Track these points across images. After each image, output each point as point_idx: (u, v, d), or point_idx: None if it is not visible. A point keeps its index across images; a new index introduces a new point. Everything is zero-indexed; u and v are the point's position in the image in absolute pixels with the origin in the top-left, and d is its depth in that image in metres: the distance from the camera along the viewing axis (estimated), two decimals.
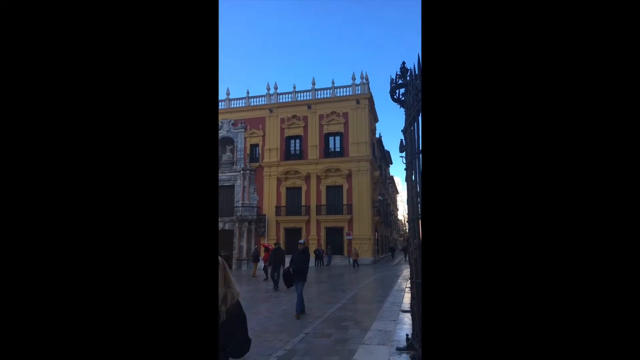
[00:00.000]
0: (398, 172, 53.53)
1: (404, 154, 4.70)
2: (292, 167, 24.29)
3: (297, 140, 25.10)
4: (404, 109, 4.65)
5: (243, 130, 25.97)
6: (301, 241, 8.18)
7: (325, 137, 24.54)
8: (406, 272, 15.53)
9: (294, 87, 25.83)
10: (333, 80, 25.35)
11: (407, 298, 8.30)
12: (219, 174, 25.55)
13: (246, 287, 12.36)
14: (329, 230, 23.33)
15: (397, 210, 57.86)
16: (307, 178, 23.98)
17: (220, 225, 24.51)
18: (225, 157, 26.19)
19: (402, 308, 7.23)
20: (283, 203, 24.18)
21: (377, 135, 29.80)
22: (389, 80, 4.80)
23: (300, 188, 24.11)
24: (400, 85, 4.67)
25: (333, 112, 24.42)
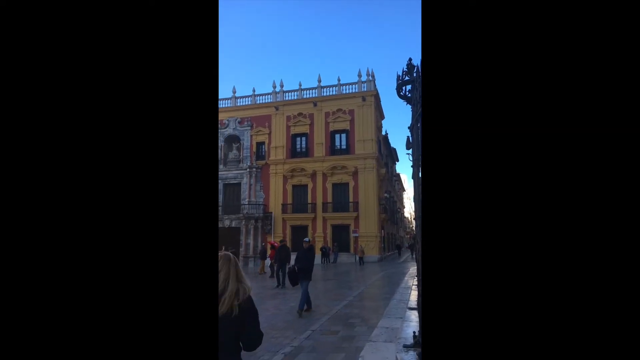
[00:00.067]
0: (404, 169, 53.31)
1: (410, 151, 4.68)
2: (298, 165, 24.31)
3: (303, 138, 25.11)
4: (410, 106, 4.62)
5: (249, 128, 26.04)
6: (306, 239, 8.17)
7: (331, 135, 24.51)
8: (413, 269, 15.49)
9: (300, 85, 25.81)
10: (339, 77, 25.31)
11: (414, 295, 8.28)
12: (226, 172, 25.69)
13: (253, 284, 12.34)
14: (335, 227, 23.34)
15: (404, 207, 57.65)
16: (313, 176, 23.99)
17: (227, 222, 24.67)
18: (231, 155, 26.30)
19: (409, 305, 7.22)
20: (289, 201, 24.23)
21: (383, 133, 29.68)
22: (396, 77, 4.78)
23: (306, 186, 24.13)
24: (407, 82, 4.64)
25: (339, 110, 24.37)
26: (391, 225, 31.34)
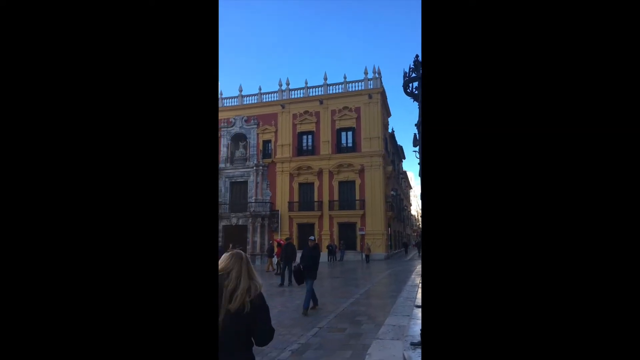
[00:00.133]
0: (411, 167, 53.03)
1: (417, 149, 4.65)
2: (304, 163, 24.33)
3: (310, 136, 25.11)
4: (417, 103, 4.60)
5: (256, 126, 26.11)
6: (311, 237, 8.11)
7: (338, 133, 24.47)
8: (419, 267, 15.43)
9: (306, 83, 25.79)
10: (345, 75, 25.22)
11: (420, 293, 8.26)
12: (233, 170, 25.80)
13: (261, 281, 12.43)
14: (341, 225, 23.34)
15: (411, 205, 57.41)
16: (320, 173, 23.99)
17: (234, 220, 24.80)
18: (238, 153, 26.41)
19: (416, 303, 7.20)
20: (296, 199, 24.28)
21: (390, 130, 29.56)
22: (402, 74, 4.75)
23: (312, 184, 24.15)
24: (414, 78, 4.62)
25: (345, 107, 24.31)
26: (398, 223, 31.25)
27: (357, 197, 23.21)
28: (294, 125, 25.26)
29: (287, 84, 26.13)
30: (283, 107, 25.56)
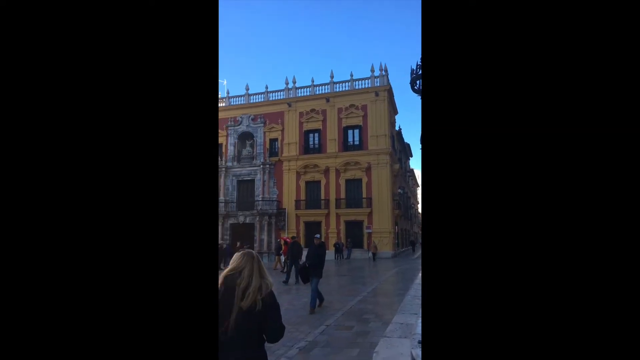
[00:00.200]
0: (418, 164, 52.74)
1: None
2: (311, 161, 24.34)
3: (316, 134, 25.10)
4: None
5: (262, 125, 26.17)
6: (317, 235, 8.07)
7: (344, 131, 24.43)
8: None
9: (312, 81, 25.77)
10: (352, 72, 25.14)
11: None
12: (240, 169, 25.92)
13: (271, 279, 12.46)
14: (348, 223, 23.32)
15: (418, 203, 57.14)
16: (327, 172, 23.98)
17: (242, 219, 24.92)
18: (245, 151, 26.51)
19: None
20: (303, 197, 24.31)
21: (397, 128, 29.42)
22: (410, 71, 4.72)
23: (319, 182, 24.16)
24: (421, 76, 4.59)
25: (352, 105, 24.25)
26: (405, 221, 31.13)
27: (364, 195, 23.16)
28: (301, 124, 25.27)
29: (294, 82, 26.13)
30: (289, 105, 25.58)
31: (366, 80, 24.57)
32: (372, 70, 24.46)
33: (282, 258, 15.66)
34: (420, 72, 4.60)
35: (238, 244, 19.97)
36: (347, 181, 23.70)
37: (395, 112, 28.51)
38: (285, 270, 12.91)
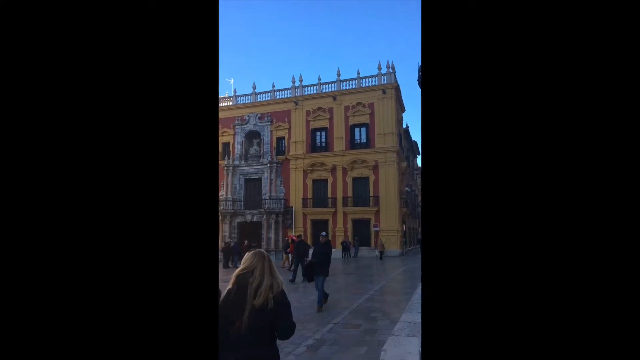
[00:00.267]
0: None
1: None
2: (318, 160, 24.34)
3: (323, 133, 25.09)
4: None
5: (269, 123, 26.23)
6: (323, 233, 7.97)
7: (351, 129, 24.37)
8: None
9: (319, 79, 25.74)
10: (358, 70, 25.06)
11: None
12: (247, 168, 26.03)
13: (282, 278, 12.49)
14: (355, 222, 23.29)
15: None
16: (333, 170, 23.97)
17: (249, 217, 25.05)
18: (252, 150, 26.61)
19: None
20: (310, 195, 24.33)
21: (404, 126, 29.27)
22: (417, 68, 4.69)
23: (326, 180, 24.15)
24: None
25: (359, 103, 24.18)
26: (412, 219, 30.99)
27: (371, 194, 23.10)
28: (307, 122, 25.27)
29: (300, 81, 26.13)
30: (296, 104, 25.59)
31: (373, 78, 24.47)
32: (379, 68, 24.35)
33: (290, 256, 15.70)
34: None
35: (245, 242, 20.08)
36: (354, 179, 23.66)
37: (403, 109, 28.36)
38: (292, 268, 12.94)
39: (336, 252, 21.02)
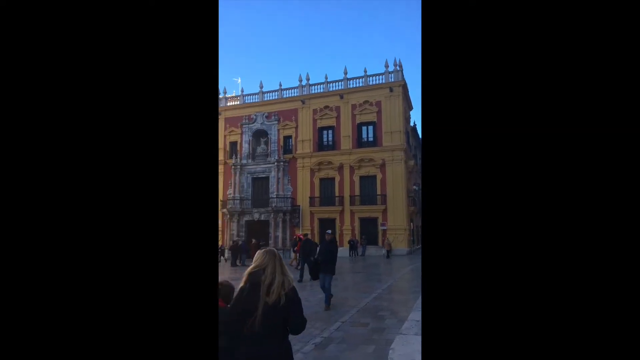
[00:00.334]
0: None
1: None
2: (325, 158, 24.33)
3: (330, 131, 25.07)
4: None
5: (276, 122, 26.28)
6: (328, 231, 7.95)
7: (358, 127, 24.31)
8: None
9: (326, 78, 25.70)
10: (365, 68, 25.01)
11: None
12: (254, 166, 26.13)
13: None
14: (363, 220, 23.25)
15: None
16: (341, 168, 23.94)
17: (256, 216, 25.15)
18: (259, 149, 26.69)
19: None
20: (317, 194, 24.35)
21: (412, 124, 29.09)
22: None
23: (333, 179, 24.14)
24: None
25: (366, 102, 24.09)
26: (420, 217, 30.81)
27: (379, 192, 23.03)
28: (314, 121, 25.26)
29: (307, 79, 26.12)
30: (303, 102, 25.60)
31: (380, 76, 24.36)
32: (387, 66, 24.22)
33: (298, 255, 15.72)
34: None
35: (253, 240, 20.16)
36: (362, 178, 23.60)
37: (410, 107, 28.20)
38: (299, 267, 12.97)
39: (344, 251, 21.05)
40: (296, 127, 25.66)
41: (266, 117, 26.66)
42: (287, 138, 26.08)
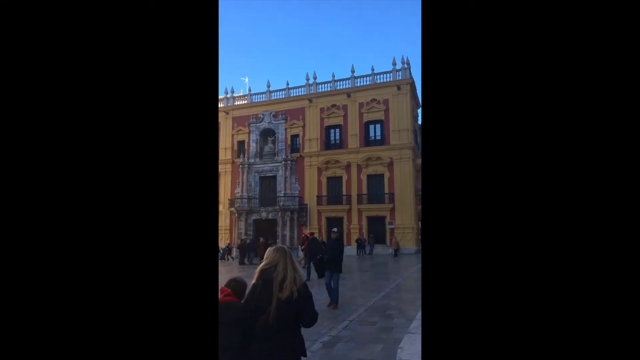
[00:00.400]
0: None
1: None
2: (332, 157, 24.32)
3: (337, 130, 25.04)
4: None
5: (284, 121, 26.34)
6: (334, 229, 7.94)
7: (366, 126, 24.24)
8: None
9: (333, 76, 25.67)
10: (372, 66, 24.86)
11: None
12: (262, 165, 26.22)
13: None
14: (370, 219, 23.20)
15: None
16: (348, 167, 23.90)
17: (264, 214, 25.26)
18: (267, 148, 26.78)
19: None
20: (324, 192, 24.35)
21: (420, 122, 28.88)
22: None
23: (341, 177, 24.12)
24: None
25: (373, 100, 24.01)
26: None
27: (386, 191, 22.95)
28: (322, 119, 25.25)
29: (314, 78, 26.10)
30: (310, 101, 25.60)
31: (388, 74, 24.25)
32: (394, 64, 24.10)
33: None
34: None
35: (261, 239, 20.24)
36: (369, 176, 23.55)
37: (418, 105, 28.01)
38: (305, 266, 12.98)
39: (351, 250, 21.04)
40: (303, 126, 25.68)
41: (273, 116, 26.73)
42: (294, 137, 26.12)
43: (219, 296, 2.18)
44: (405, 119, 23.14)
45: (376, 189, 23.35)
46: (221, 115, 27.71)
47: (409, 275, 12.15)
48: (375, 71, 24.61)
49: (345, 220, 23.47)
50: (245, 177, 26.24)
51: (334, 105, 25.00)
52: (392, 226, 22.34)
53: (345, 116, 24.66)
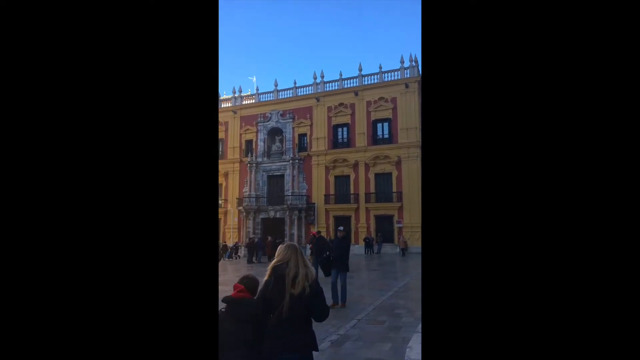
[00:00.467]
0: None
1: None
2: (340, 156, 24.29)
3: (345, 128, 24.99)
4: None
5: (291, 120, 26.37)
6: (340, 228, 7.87)
7: (373, 124, 24.15)
8: None
9: (341, 75, 25.62)
10: (380, 65, 24.74)
11: None
12: (270, 164, 26.30)
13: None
14: (378, 218, 23.13)
15: None
16: (356, 166, 23.85)
17: (272, 213, 25.34)
18: (274, 147, 26.85)
19: None
20: (332, 191, 24.33)
21: None
22: None
23: (348, 176, 24.08)
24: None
25: (381, 98, 23.90)
26: None
27: (394, 190, 22.85)
28: (329, 118, 25.22)
29: (322, 77, 26.08)
30: (318, 100, 25.58)
31: (395, 72, 24.11)
32: (402, 62, 23.96)
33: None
34: None
35: (269, 238, 20.33)
36: (377, 175, 23.46)
37: None
38: (312, 264, 12.96)
39: (359, 249, 21.01)
40: (311, 125, 25.68)
41: (281, 115, 26.77)
42: (302, 136, 26.13)
43: (233, 292, 2.20)
44: (413, 117, 23.00)
45: (384, 188, 23.26)
46: (229, 114, 27.85)
47: (417, 274, 12.08)
48: (382, 69, 24.48)
49: (353, 219, 23.43)
50: (253, 176, 26.35)
51: (341, 104, 24.95)
52: (400, 225, 22.24)
53: (352, 115, 24.60)
